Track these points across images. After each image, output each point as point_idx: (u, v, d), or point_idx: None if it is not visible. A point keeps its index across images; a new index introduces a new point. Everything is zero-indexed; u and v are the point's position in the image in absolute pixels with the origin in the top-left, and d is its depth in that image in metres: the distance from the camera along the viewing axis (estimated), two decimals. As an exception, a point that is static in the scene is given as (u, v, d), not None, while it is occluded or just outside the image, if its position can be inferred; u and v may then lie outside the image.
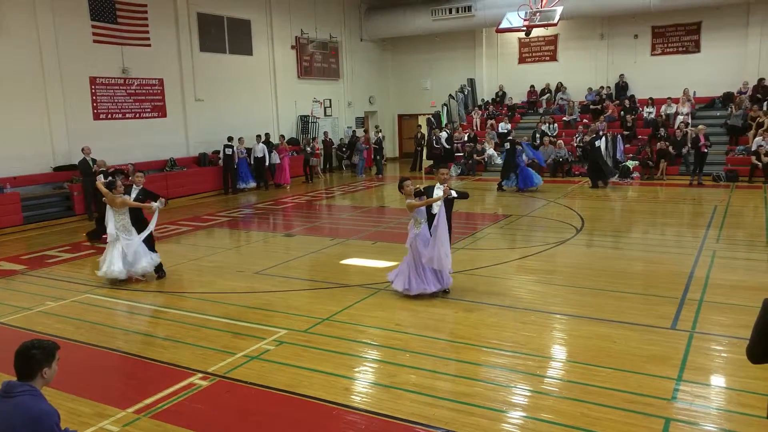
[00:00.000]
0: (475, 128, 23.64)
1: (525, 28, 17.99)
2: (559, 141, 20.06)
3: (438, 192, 7.62)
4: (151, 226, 9.18)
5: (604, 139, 17.83)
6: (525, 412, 4.87)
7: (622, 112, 21.29)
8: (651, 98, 21.30)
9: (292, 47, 22.67)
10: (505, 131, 22.01)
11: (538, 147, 20.03)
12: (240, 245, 12.26)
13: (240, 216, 15.20)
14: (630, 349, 5.92)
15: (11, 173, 14.35)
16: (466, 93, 25.49)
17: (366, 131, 25.06)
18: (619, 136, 19.74)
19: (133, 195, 9.14)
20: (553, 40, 24.28)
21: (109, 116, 16.71)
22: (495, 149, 21.37)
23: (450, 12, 23.83)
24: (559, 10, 17.05)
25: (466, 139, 22.52)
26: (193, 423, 4.86)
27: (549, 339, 6.49)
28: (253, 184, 19.53)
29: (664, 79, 21.76)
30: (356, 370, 5.82)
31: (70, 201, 14.89)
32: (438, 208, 7.54)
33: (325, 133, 23.62)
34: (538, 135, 20.80)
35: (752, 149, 17.56)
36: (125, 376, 6.03)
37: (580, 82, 23.45)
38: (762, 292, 7.38)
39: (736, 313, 6.82)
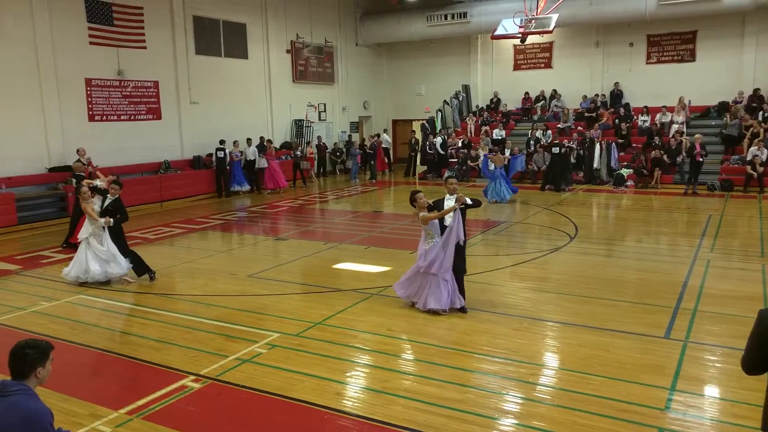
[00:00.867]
0: (469, 134, 23.70)
1: (520, 35, 18.05)
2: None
3: (449, 203, 7.35)
4: (83, 233, 9.02)
5: (559, 148, 18.76)
6: (517, 419, 4.86)
7: (616, 120, 21.40)
8: (646, 107, 21.41)
9: (288, 51, 22.69)
10: (500, 137, 22.08)
11: (533, 154, 20.18)
12: (233, 248, 12.23)
13: (233, 219, 15.17)
14: (623, 358, 5.92)
15: (6, 174, 14.32)
16: (460, 99, 25.56)
17: (377, 135, 24.97)
18: (613, 144, 19.85)
19: (105, 203, 9.10)
20: (548, 48, 24.40)
21: (104, 118, 16.66)
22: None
23: (445, 18, 23.92)
24: (555, 17, 17.12)
25: (460, 145, 22.58)
26: (184, 425, 4.84)
27: (541, 346, 6.49)
28: (247, 187, 19.51)
29: (660, 88, 21.89)
30: (348, 374, 5.81)
31: (65, 202, 14.80)
32: (451, 219, 7.27)
33: (319, 138, 23.63)
34: (532, 142, 20.89)
35: (747, 159, 17.66)
36: (118, 377, 5.99)
37: (574, 90, 23.54)
38: (756, 302, 7.44)
39: (731, 323, 6.83)
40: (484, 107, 25.47)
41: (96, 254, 8.90)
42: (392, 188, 21.14)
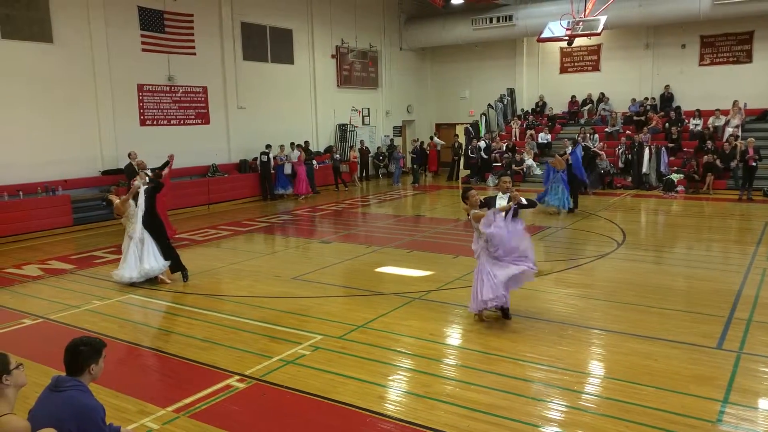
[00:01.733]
0: (514, 138, 23.44)
1: (567, 38, 17.74)
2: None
3: (501, 202, 7.14)
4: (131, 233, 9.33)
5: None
6: (561, 427, 4.77)
7: (666, 124, 20.82)
8: (698, 110, 20.76)
9: (332, 56, 22.93)
10: (545, 141, 21.74)
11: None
12: (277, 251, 12.41)
13: (278, 222, 15.39)
14: (672, 368, 5.75)
15: (63, 176, 14.92)
16: (505, 102, 25.30)
17: (417, 139, 25.03)
18: (663, 148, 19.31)
19: (139, 199, 9.47)
20: (596, 50, 23.93)
21: (155, 122, 17.18)
22: (534, 159, 21.17)
23: (491, 21, 23.75)
24: (603, 19, 16.73)
25: (504, 149, 22.35)
26: (229, 424, 4.92)
27: (587, 354, 6.35)
28: (291, 191, 19.75)
29: (712, 90, 21.17)
30: (390, 378, 5.81)
31: (117, 204, 15.30)
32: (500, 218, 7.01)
33: (362, 142, 23.77)
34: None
35: (805, 164, 16.94)
36: (165, 375, 6.15)
37: (623, 93, 22.98)
38: (814, 312, 7.10)
39: (787, 334, 6.55)
40: (530, 111, 25.15)
41: (142, 252, 9.18)
42: (436, 192, 21.06)
